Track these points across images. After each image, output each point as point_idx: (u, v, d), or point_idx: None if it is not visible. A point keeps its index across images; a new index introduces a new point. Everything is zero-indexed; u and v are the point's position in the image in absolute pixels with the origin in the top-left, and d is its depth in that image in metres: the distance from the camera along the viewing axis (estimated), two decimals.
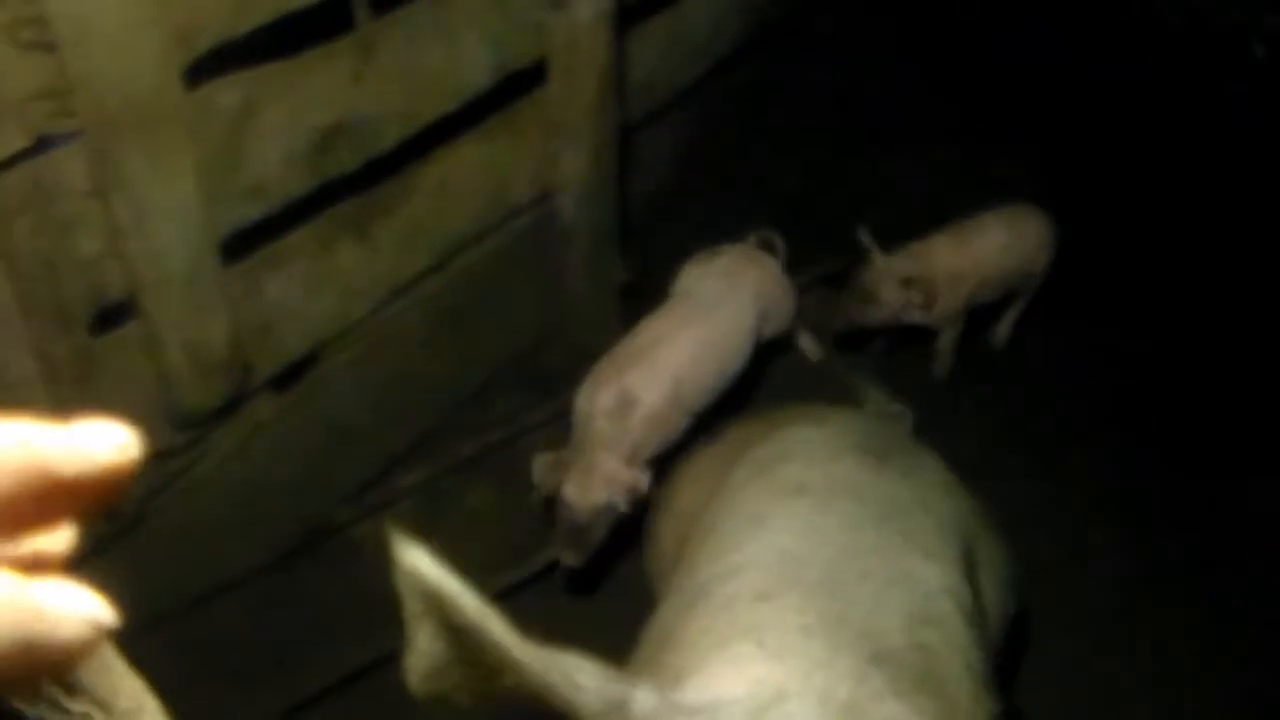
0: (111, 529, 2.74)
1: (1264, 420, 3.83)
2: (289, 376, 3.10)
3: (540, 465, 3.11)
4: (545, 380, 3.61)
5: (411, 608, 1.19)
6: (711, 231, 4.09)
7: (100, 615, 0.53)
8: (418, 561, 1.16)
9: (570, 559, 3.08)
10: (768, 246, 3.64)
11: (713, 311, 3.34)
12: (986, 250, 3.84)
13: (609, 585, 3.31)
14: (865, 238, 3.74)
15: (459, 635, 1.18)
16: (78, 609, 0.52)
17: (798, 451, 2.34)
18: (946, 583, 2.00)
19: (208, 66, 2.56)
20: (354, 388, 3.25)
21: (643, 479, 3.09)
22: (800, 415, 2.62)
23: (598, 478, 3.05)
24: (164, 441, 2.85)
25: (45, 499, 0.53)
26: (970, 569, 2.19)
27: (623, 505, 3.05)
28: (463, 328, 3.51)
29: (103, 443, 0.54)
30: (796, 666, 1.59)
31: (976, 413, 3.87)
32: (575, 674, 1.23)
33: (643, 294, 3.84)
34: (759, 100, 4.50)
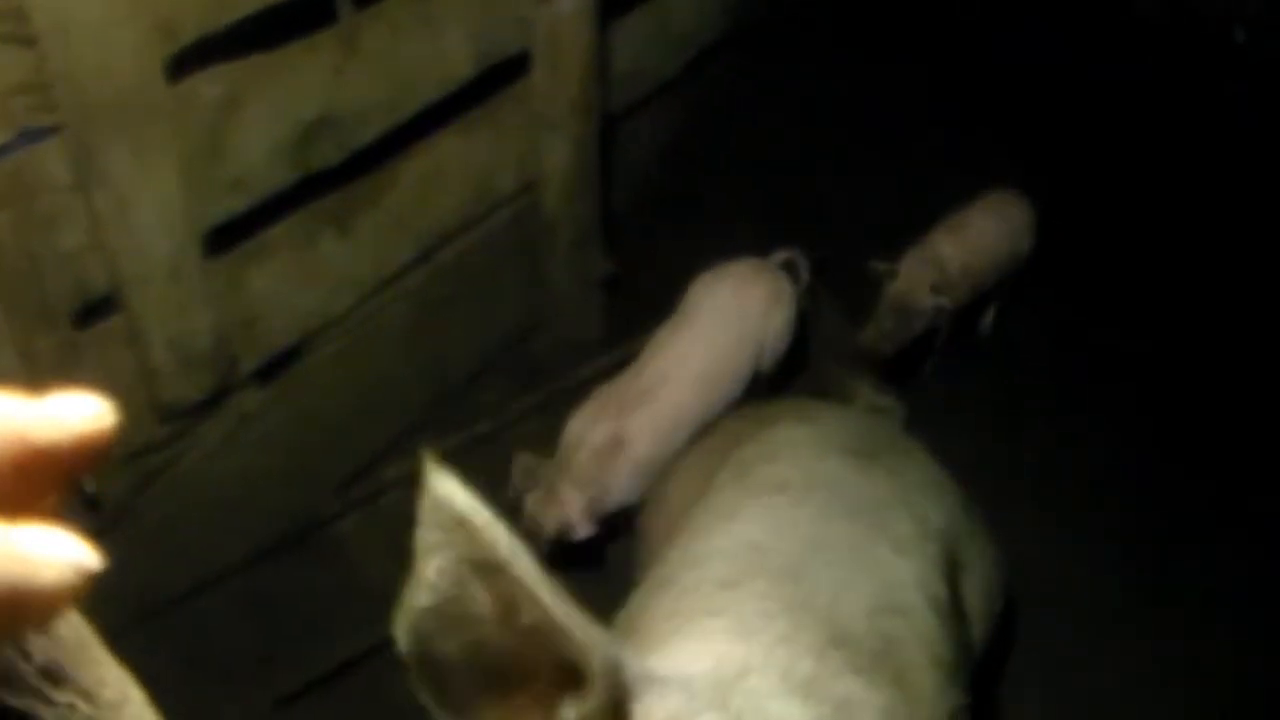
0: (97, 524, 2.74)
1: (1260, 416, 3.83)
2: (273, 369, 3.10)
3: (519, 466, 3.19)
4: (530, 371, 3.61)
5: (428, 538, 1.17)
6: (696, 223, 4.10)
7: (84, 559, 0.52)
8: (450, 489, 1.14)
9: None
10: (789, 266, 3.59)
11: (717, 341, 3.32)
12: (983, 239, 3.86)
13: (608, 585, 3.33)
14: (881, 265, 3.72)
15: (474, 571, 1.16)
16: (60, 553, 0.52)
17: (783, 453, 2.36)
18: (917, 577, 2.02)
19: (190, 59, 2.55)
20: (339, 380, 3.24)
21: (583, 528, 3.14)
22: (789, 412, 2.63)
23: (553, 507, 3.12)
24: (148, 436, 2.85)
25: (25, 469, 0.53)
26: (953, 567, 2.21)
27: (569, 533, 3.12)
28: (447, 320, 3.50)
29: (79, 412, 0.54)
30: (759, 644, 1.61)
31: (967, 408, 3.87)
32: (588, 626, 1.23)
33: (626, 286, 3.85)
34: (745, 91, 4.50)
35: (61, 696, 0.75)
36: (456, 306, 3.53)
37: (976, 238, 3.83)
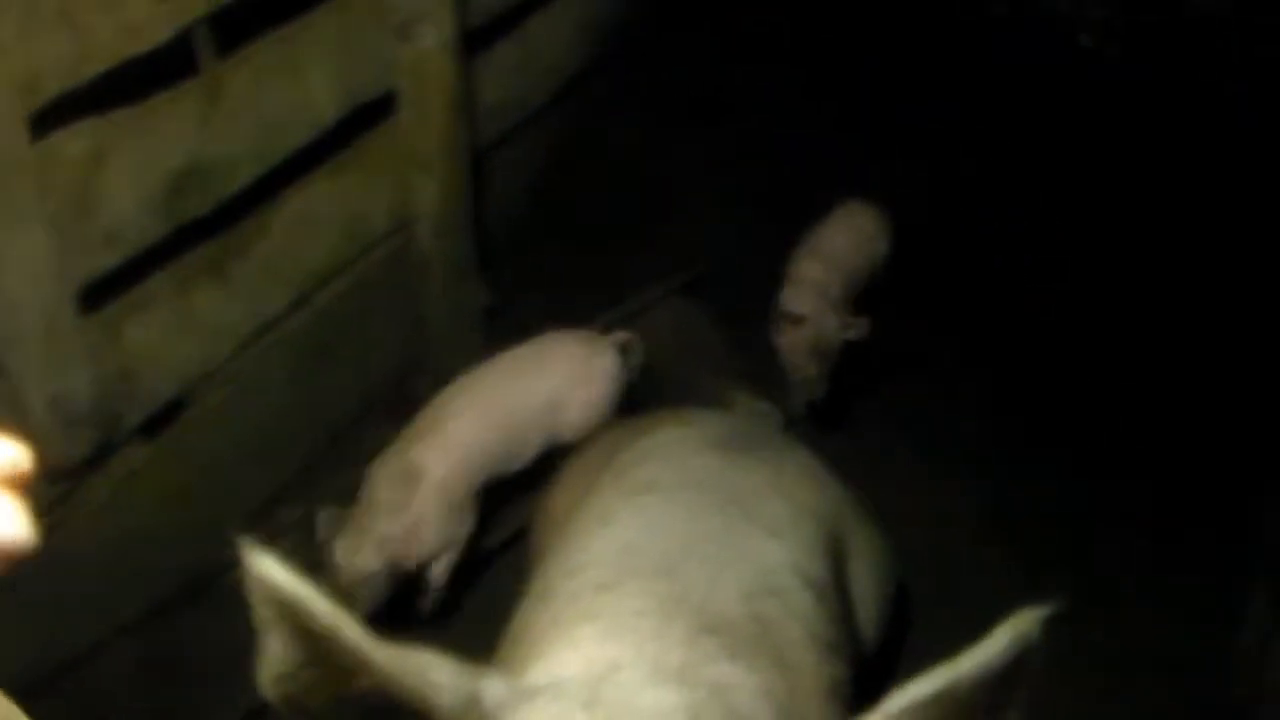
0: None
1: (1174, 422, 3.93)
2: (158, 423, 3.07)
3: (322, 518, 3.10)
4: (414, 408, 3.60)
5: (262, 614, 1.22)
6: (575, 248, 4.14)
7: (14, 533, 0.52)
8: (269, 569, 1.19)
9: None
10: (624, 349, 3.54)
11: (510, 390, 3.31)
12: (843, 255, 3.90)
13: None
14: (789, 315, 3.75)
15: (311, 639, 1.21)
16: None
17: (657, 453, 2.40)
18: (792, 559, 2.08)
19: (52, 116, 2.54)
20: (225, 429, 3.22)
21: (413, 553, 3.10)
22: (667, 418, 2.68)
23: (369, 542, 3.05)
24: (35, 499, 2.80)
25: None
26: (836, 552, 2.27)
27: (385, 573, 3.06)
28: (329, 362, 3.50)
29: None
30: (630, 641, 1.64)
31: (876, 413, 3.97)
32: (429, 671, 1.27)
33: (506, 316, 3.87)
34: (619, 112, 4.54)
35: None
36: (337, 349, 3.53)
37: (838, 255, 3.88)
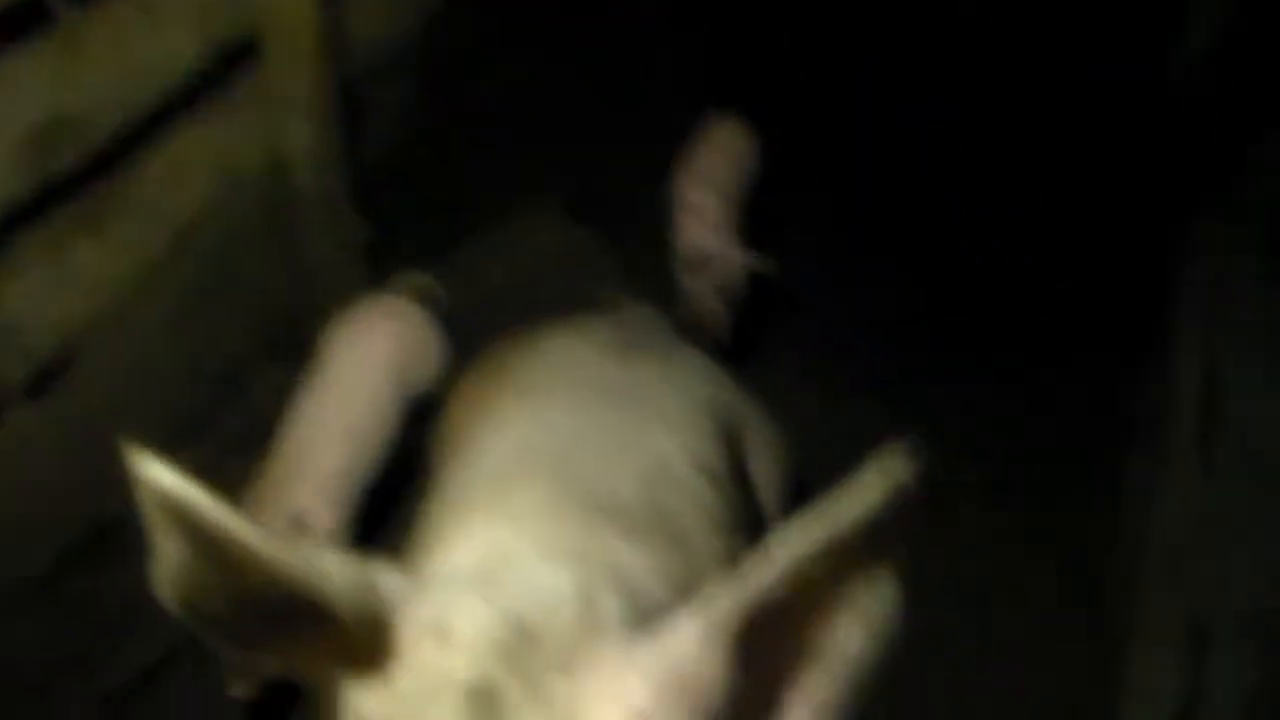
0: None
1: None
2: (44, 381, 3.06)
3: None
4: (301, 348, 3.63)
5: (154, 518, 1.25)
6: (451, 179, 4.16)
7: None
8: (155, 472, 1.22)
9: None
10: (426, 297, 3.55)
11: (347, 394, 3.25)
12: (724, 178, 3.94)
13: None
14: (690, 251, 3.76)
15: (203, 540, 1.24)
16: None
17: (548, 359, 2.42)
18: (688, 448, 2.10)
19: None
20: (113, 382, 3.22)
21: None
22: (557, 326, 2.69)
23: None
24: None
25: None
26: (733, 441, 2.31)
27: None
28: (212, 308, 3.50)
29: None
30: (524, 528, 1.66)
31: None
32: (319, 562, 1.26)
33: (388, 249, 3.89)
34: (490, 41, 4.54)
35: None
36: (220, 293, 3.53)
37: (721, 179, 3.91)
